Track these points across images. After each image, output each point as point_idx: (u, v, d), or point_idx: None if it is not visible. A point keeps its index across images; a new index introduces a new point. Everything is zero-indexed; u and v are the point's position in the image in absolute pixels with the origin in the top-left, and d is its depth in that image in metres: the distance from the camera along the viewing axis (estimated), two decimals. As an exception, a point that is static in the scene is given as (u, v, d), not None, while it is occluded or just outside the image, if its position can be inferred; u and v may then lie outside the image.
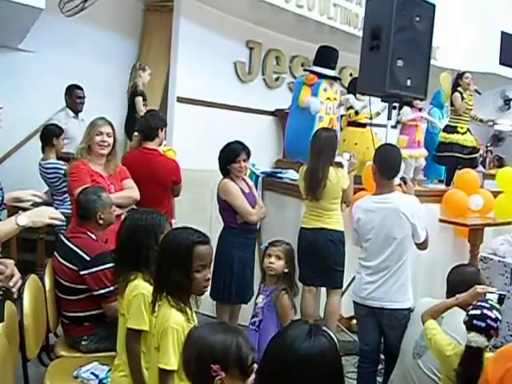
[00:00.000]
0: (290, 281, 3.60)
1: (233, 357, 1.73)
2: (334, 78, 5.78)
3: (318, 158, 4.49)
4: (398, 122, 7.41)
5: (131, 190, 4.09)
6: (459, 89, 6.29)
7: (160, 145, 4.67)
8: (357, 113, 6.17)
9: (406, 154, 6.73)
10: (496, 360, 2.23)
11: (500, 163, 10.30)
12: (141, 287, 2.65)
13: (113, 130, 4.03)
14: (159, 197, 4.35)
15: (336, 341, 1.58)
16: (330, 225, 4.53)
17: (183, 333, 2.21)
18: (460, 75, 6.43)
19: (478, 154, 6.85)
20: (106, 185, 3.84)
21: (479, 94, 6.44)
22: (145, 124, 4.63)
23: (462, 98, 6.25)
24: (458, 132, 6.30)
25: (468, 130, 6.39)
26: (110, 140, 3.99)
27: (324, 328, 1.61)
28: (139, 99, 6.50)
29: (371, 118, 5.96)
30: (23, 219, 2.54)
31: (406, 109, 6.71)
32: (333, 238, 4.50)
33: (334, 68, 5.77)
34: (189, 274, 2.29)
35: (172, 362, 2.21)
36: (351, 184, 4.70)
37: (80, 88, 6.07)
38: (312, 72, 5.65)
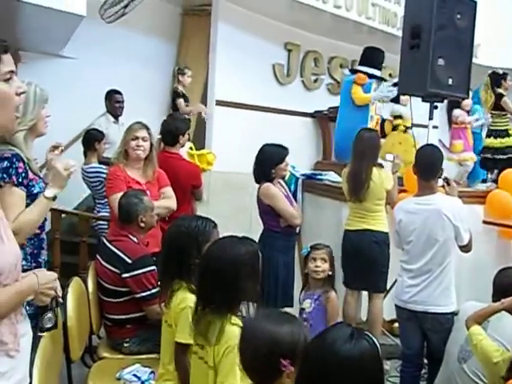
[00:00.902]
0: (333, 282, 3.59)
1: (300, 349, 1.72)
2: (381, 79, 5.78)
3: (362, 159, 4.43)
4: (450, 125, 7.36)
5: (169, 200, 4.05)
6: (501, 91, 6.17)
7: (182, 147, 4.68)
8: (399, 117, 6.16)
9: (467, 156, 6.69)
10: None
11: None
12: (189, 300, 2.57)
13: (149, 134, 4.00)
14: (179, 200, 4.31)
15: (378, 346, 1.55)
16: (374, 226, 4.46)
17: None
18: (503, 76, 6.31)
19: None
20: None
21: None
22: (166, 128, 4.65)
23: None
24: (510, 135, 6.19)
25: None
26: (146, 144, 3.95)
27: (367, 332, 1.59)
28: (181, 101, 6.54)
29: (411, 126, 5.95)
30: (49, 191, 2.52)
31: (457, 111, 6.65)
32: (377, 239, 4.44)
33: (380, 69, 5.77)
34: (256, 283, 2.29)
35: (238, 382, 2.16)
36: (395, 185, 4.64)
37: (119, 93, 6.15)
38: (361, 72, 5.64)
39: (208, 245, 2.55)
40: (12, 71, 1.75)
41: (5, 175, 2.52)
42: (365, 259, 4.41)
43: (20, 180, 2.56)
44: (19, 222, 2.42)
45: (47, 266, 2.96)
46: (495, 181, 6.22)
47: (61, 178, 2.54)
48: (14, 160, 2.56)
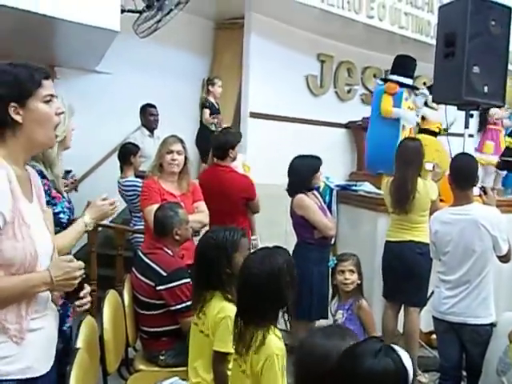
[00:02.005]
0: (362, 290, 3.56)
1: None
2: (413, 87, 5.71)
3: (407, 169, 4.32)
4: (481, 128, 7.27)
5: (202, 215, 4.05)
6: None
7: (233, 160, 4.69)
8: (423, 118, 6.05)
9: (494, 160, 6.56)
10: None
11: None
12: (228, 309, 2.62)
13: (184, 147, 4.03)
14: (231, 213, 4.32)
15: (407, 366, 1.54)
16: (418, 237, 4.33)
17: (283, 356, 2.21)
18: None
19: None
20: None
21: None
22: (216, 142, 4.68)
23: None
24: None
25: None
26: (181, 158, 3.98)
27: (399, 351, 1.57)
28: (206, 111, 6.59)
29: (446, 130, 5.84)
30: (90, 221, 2.59)
31: (494, 109, 6.55)
32: (422, 250, 4.27)
33: (412, 77, 5.69)
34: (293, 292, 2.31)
35: None
36: (438, 198, 4.55)
37: (153, 106, 6.22)
38: (392, 81, 5.59)
39: (237, 254, 2.65)
40: (52, 95, 1.92)
41: None
42: (407, 271, 4.30)
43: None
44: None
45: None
46: None
47: (104, 215, 2.66)
48: (40, 177, 2.48)
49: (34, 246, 1.85)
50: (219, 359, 2.61)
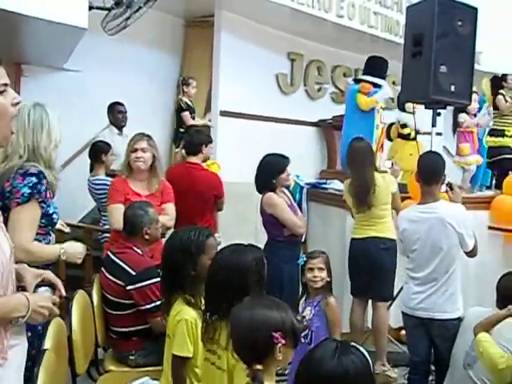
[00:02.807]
0: (331, 288, 3.59)
1: (290, 324, 1.81)
2: (385, 88, 5.80)
3: (361, 166, 4.42)
4: (455, 129, 7.42)
5: (166, 218, 3.93)
6: (502, 91, 6.20)
7: (205, 161, 4.69)
8: (404, 126, 6.18)
9: (473, 159, 6.71)
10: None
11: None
12: (184, 312, 2.62)
13: (150, 145, 3.96)
14: (201, 210, 4.36)
15: (368, 358, 1.55)
16: (382, 233, 4.42)
17: None
18: (503, 78, 6.34)
19: None
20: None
21: None
22: (189, 139, 4.67)
23: (506, 101, 6.16)
24: (505, 135, 6.19)
25: None
26: (146, 155, 3.92)
27: (354, 346, 1.59)
28: (186, 114, 6.57)
29: (417, 133, 5.98)
30: (64, 253, 2.68)
31: (463, 116, 6.69)
32: (386, 245, 4.39)
33: (384, 78, 5.77)
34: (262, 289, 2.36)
35: None
36: (398, 192, 4.63)
37: (121, 104, 6.17)
38: (365, 81, 5.65)
39: (203, 256, 2.65)
40: (6, 84, 1.79)
41: (34, 191, 2.61)
42: (373, 267, 4.38)
43: (42, 198, 2.65)
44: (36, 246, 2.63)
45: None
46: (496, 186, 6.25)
47: (75, 256, 2.74)
48: (41, 177, 2.64)
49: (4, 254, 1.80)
50: (177, 363, 2.60)
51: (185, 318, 2.58)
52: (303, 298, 3.71)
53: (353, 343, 1.60)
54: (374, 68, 5.71)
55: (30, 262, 2.36)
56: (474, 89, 6.40)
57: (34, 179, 2.62)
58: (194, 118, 6.68)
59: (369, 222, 4.46)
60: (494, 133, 6.35)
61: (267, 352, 1.77)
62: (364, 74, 5.83)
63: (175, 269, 2.71)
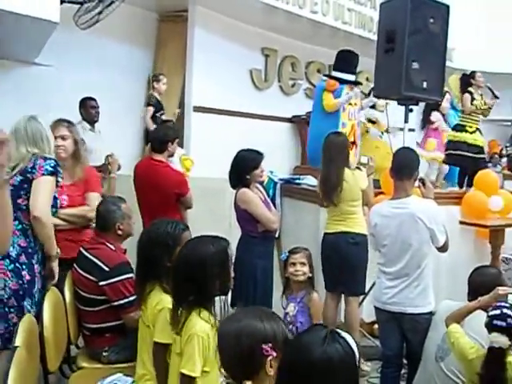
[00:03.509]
0: (313, 284, 3.61)
1: (280, 336, 1.76)
2: (355, 83, 5.77)
3: (331, 162, 4.44)
4: (424, 125, 7.49)
5: (87, 209, 3.78)
6: (470, 89, 6.25)
7: (170, 156, 4.66)
8: (373, 122, 6.20)
9: (436, 156, 6.77)
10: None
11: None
12: (166, 301, 2.64)
13: (70, 131, 3.79)
14: (162, 207, 4.27)
15: (354, 349, 1.55)
16: (352, 228, 4.44)
17: (208, 340, 2.25)
18: (471, 75, 6.40)
19: (485, 155, 6.84)
20: (58, 195, 3.40)
21: (497, 98, 6.39)
22: (155, 135, 4.64)
23: (473, 99, 6.20)
24: (466, 131, 6.25)
25: (477, 129, 6.33)
26: (67, 143, 3.75)
27: (343, 335, 1.59)
28: (149, 109, 6.53)
29: (387, 131, 6.01)
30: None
31: (436, 115, 6.78)
32: (355, 240, 4.42)
33: (354, 73, 5.75)
34: (226, 280, 2.38)
35: (197, 368, 2.23)
36: (371, 186, 4.66)
37: (93, 99, 6.08)
38: (333, 78, 5.63)
39: (179, 248, 2.62)
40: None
41: (55, 170, 3.07)
42: (343, 261, 4.40)
43: (58, 181, 3.14)
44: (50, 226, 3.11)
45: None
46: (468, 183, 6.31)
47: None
48: (58, 164, 3.14)
49: None
50: (159, 350, 2.62)
51: (167, 306, 2.59)
52: (285, 295, 3.74)
53: (344, 333, 1.60)
54: (344, 62, 5.68)
55: (39, 232, 3.05)
56: (447, 88, 6.49)
57: (53, 162, 3.08)
58: (162, 115, 6.63)
59: (339, 218, 4.49)
60: (457, 127, 6.40)
61: (257, 366, 1.70)
62: (334, 69, 5.80)
63: (151, 260, 2.74)
